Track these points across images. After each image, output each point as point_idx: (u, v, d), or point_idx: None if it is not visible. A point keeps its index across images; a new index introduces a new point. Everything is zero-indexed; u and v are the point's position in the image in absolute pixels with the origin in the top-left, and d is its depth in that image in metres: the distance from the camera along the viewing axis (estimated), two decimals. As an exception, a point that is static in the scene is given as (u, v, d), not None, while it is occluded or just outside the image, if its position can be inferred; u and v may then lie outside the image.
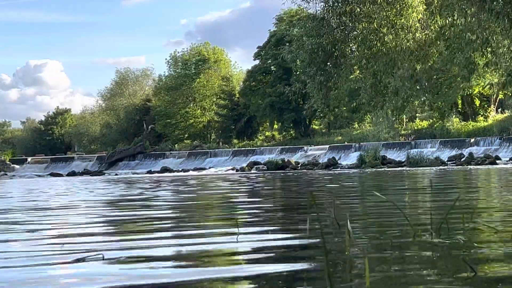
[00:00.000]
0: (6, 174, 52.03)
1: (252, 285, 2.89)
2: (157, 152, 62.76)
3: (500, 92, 50.69)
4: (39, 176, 46.91)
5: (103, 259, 3.59)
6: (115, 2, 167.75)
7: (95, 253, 3.74)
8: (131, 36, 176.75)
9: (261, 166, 43.71)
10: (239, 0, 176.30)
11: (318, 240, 4.13)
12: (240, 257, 3.69)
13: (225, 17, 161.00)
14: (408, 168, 32.51)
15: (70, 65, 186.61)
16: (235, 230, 4.68)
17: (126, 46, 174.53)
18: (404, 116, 57.81)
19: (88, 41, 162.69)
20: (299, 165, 42.29)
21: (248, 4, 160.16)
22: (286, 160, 43.91)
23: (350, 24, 14.96)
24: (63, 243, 4.44)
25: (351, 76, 18.39)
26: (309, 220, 4.64)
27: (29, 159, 68.09)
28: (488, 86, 48.41)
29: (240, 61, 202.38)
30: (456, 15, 14.25)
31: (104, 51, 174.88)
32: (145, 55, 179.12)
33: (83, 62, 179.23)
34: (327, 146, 50.94)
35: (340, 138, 56.98)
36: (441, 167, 32.92)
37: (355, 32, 14.95)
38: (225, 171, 43.40)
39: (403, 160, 37.79)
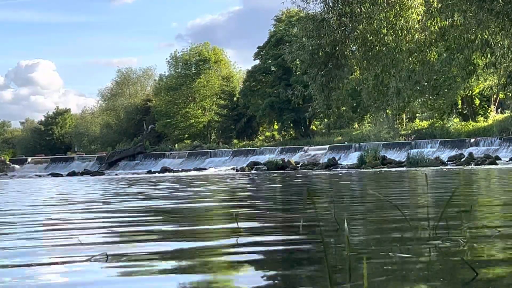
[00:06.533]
0: (6, 174, 52.01)
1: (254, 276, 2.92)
2: (157, 152, 62.72)
3: (500, 93, 50.65)
4: (39, 176, 46.87)
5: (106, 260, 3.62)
6: (105, 2, 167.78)
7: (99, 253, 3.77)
8: (123, 38, 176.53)
9: (261, 166, 43.69)
10: (229, 3, 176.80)
11: (317, 240, 4.16)
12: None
13: (215, 19, 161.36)
14: (408, 168, 32.52)
15: (62, 65, 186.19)
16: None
17: (118, 47, 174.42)
18: (404, 116, 57.90)
19: (79, 41, 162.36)
20: (299, 165, 42.27)
21: (237, 7, 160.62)
22: (286, 160, 43.90)
23: (350, 25, 14.95)
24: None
25: (351, 77, 18.40)
26: (302, 221, 4.66)
27: (29, 159, 68.05)
28: (488, 89, 48.40)
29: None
30: (456, 16, 14.25)
31: (96, 51, 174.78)
32: (137, 56, 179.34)
33: (75, 62, 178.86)
34: (327, 146, 50.92)
35: (340, 138, 56.97)
36: (441, 167, 32.92)
37: (355, 33, 14.95)
38: (225, 171, 43.40)
39: (403, 160, 37.78)
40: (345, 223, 3.60)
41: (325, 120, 64.70)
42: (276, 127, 70.08)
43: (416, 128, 54.69)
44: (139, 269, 3.35)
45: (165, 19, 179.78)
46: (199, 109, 72.71)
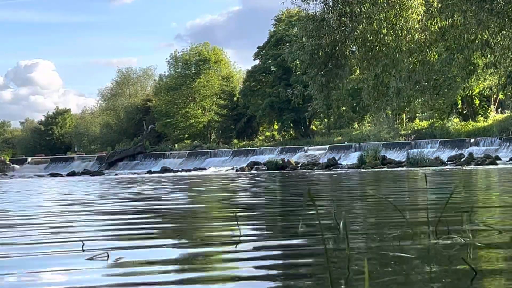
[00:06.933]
0: (6, 174, 51.97)
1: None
2: (157, 152, 62.70)
3: (500, 93, 50.67)
4: (39, 176, 46.85)
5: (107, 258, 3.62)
6: (104, 2, 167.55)
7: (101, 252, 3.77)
8: (122, 38, 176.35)
9: (261, 166, 43.68)
10: (229, 3, 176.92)
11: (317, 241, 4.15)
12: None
13: (215, 19, 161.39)
14: (408, 168, 32.52)
15: (62, 65, 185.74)
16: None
17: (118, 47, 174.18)
18: (404, 116, 57.89)
19: (79, 41, 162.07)
20: (299, 165, 42.26)
21: (237, 7, 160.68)
22: (286, 160, 43.88)
23: (350, 25, 14.94)
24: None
25: (352, 76, 18.40)
26: (301, 224, 4.66)
27: (29, 159, 68.03)
28: (488, 89, 48.41)
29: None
30: (456, 16, 14.25)
31: (96, 51, 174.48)
32: (137, 56, 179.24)
33: (75, 62, 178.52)
34: (327, 146, 50.90)
35: (340, 138, 56.94)
36: (441, 167, 32.92)
37: (355, 33, 14.94)
38: (225, 171, 43.38)
39: (403, 160, 37.77)
40: (341, 224, 3.59)
41: (325, 120, 64.74)
42: (276, 127, 70.06)
43: (416, 128, 54.67)
44: (139, 275, 3.36)
45: (164, 19, 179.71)
46: (199, 109, 72.68)
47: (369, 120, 58.66)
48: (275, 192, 12.81)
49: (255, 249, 3.98)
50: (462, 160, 37.41)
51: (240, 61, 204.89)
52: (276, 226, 5.75)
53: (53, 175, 48.70)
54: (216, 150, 60.03)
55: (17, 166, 63.64)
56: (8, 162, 64.63)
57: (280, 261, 3.59)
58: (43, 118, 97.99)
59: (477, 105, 55.12)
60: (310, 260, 3.57)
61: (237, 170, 42.89)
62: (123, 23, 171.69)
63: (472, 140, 43.78)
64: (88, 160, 64.51)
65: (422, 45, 15.00)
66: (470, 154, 38.17)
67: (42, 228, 5.78)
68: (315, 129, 67.58)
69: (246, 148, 58.33)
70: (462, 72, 16.95)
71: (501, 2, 13.99)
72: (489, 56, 15.29)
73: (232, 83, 73.89)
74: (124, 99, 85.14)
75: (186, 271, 3.35)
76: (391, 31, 14.62)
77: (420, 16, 14.52)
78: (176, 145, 68.16)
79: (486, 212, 6.34)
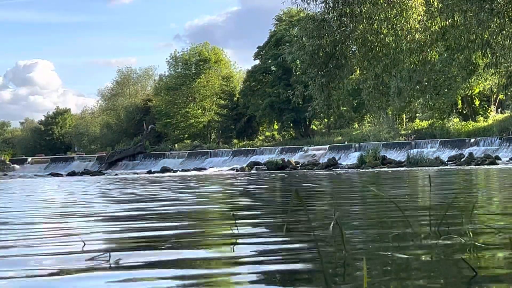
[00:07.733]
0: (6, 174, 51.97)
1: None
2: (157, 152, 62.70)
3: (500, 93, 50.65)
4: (39, 176, 46.85)
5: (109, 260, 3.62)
6: (102, 2, 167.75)
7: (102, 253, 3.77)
8: (121, 38, 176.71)
9: (261, 166, 43.68)
10: (228, 3, 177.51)
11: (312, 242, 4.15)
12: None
13: (213, 20, 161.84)
14: (408, 168, 32.52)
15: (61, 65, 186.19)
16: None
17: (117, 47, 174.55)
18: (404, 116, 57.88)
19: (78, 41, 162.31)
20: (299, 165, 42.27)
21: (235, 7, 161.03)
22: (286, 160, 43.89)
23: (351, 25, 14.95)
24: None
25: (352, 76, 18.38)
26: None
27: (29, 159, 68.04)
28: (489, 88, 48.38)
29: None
30: (456, 16, 14.26)
31: (95, 51, 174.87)
32: (136, 56, 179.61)
33: (74, 62, 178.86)
34: (327, 146, 50.91)
35: (340, 138, 56.95)
36: (441, 167, 32.92)
37: (355, 33, 14.94)
38: (225, 171, 43.39)
39: (403, 160, 37.78)
40: (331, 225, 3.57)
41: (325, 120, 64.74)
42: (276, 127, 70.08)
43: (416, 128, 54.67)
44: (139, 275, 3.36)
45: (163, 20, 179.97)
46: (199, 109, 72.67)
47: (369, 120, 58.66)
48: (275, 192, 12.81)
49: (252, 251, 3.98)
50: (462, 160, 37.41)
51: (238, 61, 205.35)
52: (274, 227, 5.75)
53: (53, 175, 48.69)
54: (216, 150, 60.04)
55: (17, 166, 63.66)
56: (8, 162, 64.64)
57: (278, 262, 3.59)
58: (42, 118, 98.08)
59: (477, 105, 55.13)
60: (310, 261, 3.57)
61: (237, 170, 42.88)
62: (122, 23, 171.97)
63: (472, 140, 43.78)
64: (88, 160, 64.52)
65: (423, 45, 14.99)
66: (470, 154, 38.18)
67: (42, 228, 5.78)
68: (315, 129, 67.60)
69: (246, 148, 58.36)
70: (462, 72, 16.95)
71: (501, 2, 13.99)
72: (489, 56, 15.30)
73: (232, 83, 73.91)
74: (124, 99, 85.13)
75: (184, 275, 3.35)
76: (392, 31, 14.62)
77: (420, 16, 14.52)
78: (176, 145, 68.16)
79: (486, 212, 6.34)
